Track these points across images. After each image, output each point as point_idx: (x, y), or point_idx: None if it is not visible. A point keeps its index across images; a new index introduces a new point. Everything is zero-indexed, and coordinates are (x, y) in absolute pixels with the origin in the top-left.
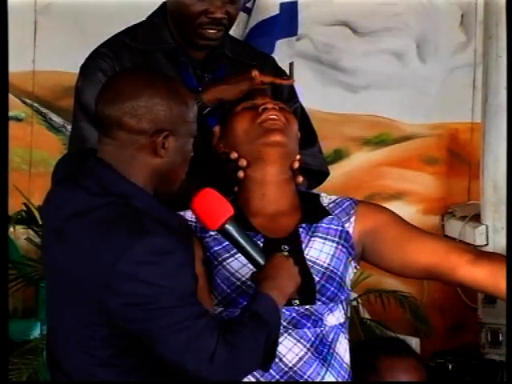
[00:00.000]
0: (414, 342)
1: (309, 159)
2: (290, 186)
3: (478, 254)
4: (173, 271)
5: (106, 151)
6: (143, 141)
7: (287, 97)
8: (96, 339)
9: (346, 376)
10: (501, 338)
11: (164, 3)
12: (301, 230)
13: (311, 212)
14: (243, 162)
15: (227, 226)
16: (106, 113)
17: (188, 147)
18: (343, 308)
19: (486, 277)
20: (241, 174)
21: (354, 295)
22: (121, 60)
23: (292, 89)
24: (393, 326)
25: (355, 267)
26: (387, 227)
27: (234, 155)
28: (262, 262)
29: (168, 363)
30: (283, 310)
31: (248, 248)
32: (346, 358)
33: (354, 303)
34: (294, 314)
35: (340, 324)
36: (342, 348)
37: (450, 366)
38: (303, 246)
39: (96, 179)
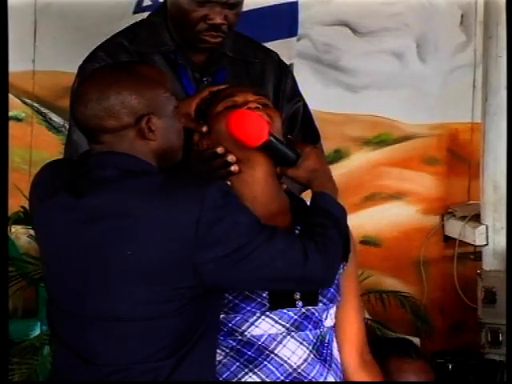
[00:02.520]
0: (415, 342)
1: None
2: (279, 184)
3: (363, 363)
4: (241, 205)
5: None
6: (131, 133)
7: (290, 95)
8: (181, 303)
9: (342, 376)
10: (501, 338)
11: (165, 2)
12: (296, 232)
13: (302, 213)
14: (233, 158)
15: (269, 138)
16: (85, 124)
17: (175, 119)
18: (336, 309)
19: None
20: (236, 167)
21: None
22: None
23: (295, 87)
24: (393, 326)
25: (342, 266)
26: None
27: (222, 150)
28: (296, 156)
29: (276, 282)
30: (285, 312)
31: (285, 150)
32: (339, 358)
33: None
34: (295, 317)
35: (332, 325)
36: (335, 349)
37: (450, 366)
38: None
39: (113, 165)
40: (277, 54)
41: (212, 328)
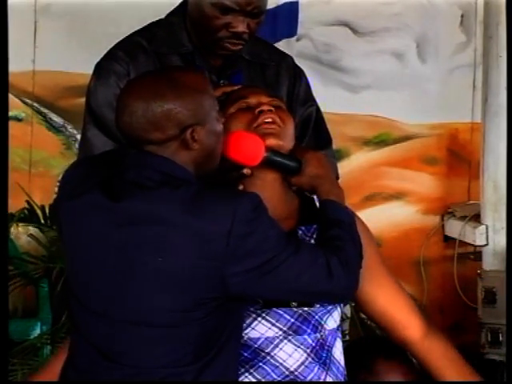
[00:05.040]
0: None
1: None
2: (287, 187)
3: (431, 329)
4: (270, 218)
5: None
6: (175, 144)
7: (303, 99)
8: (202, 313)
9: (342, 379)
10: (501, 338)
11: (184, 2)
12: (300, 232)
13: (309, 214)
14: None
15: (267, 155)
16: (129, 134)
17: (217, 123)
18: (341, 310)
19: (437, 359)
20: (248, 170)
21: None
22: (136, 64)
23: (309, 91)
24: None
25: None
26: (369, 262)
27: None
28: (297, 165)
29: (301, 294)
30: (282, 314)
31: (286, 162)
32: (342, 360)
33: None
34: (292, 320)
35: (337, 327)
36: (338, 351)
37: None
38: None
39: (151, 166)
40: (291, 58)
41: (236, 335)
